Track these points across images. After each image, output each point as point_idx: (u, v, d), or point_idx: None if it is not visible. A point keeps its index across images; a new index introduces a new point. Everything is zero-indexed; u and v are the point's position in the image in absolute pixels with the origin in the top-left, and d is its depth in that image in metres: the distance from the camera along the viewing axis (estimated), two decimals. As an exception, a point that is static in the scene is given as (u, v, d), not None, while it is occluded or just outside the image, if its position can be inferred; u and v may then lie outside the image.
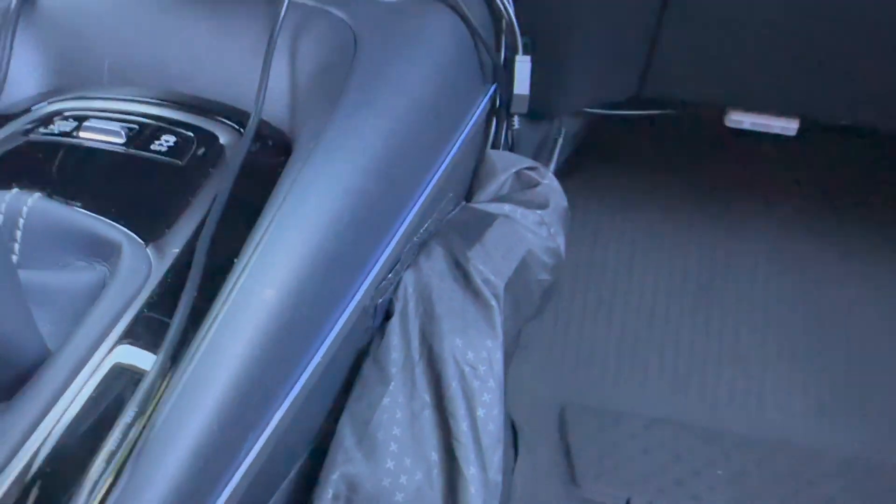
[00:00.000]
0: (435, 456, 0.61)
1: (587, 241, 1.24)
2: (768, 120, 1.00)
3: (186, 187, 0.60)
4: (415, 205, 0.68)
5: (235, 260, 0.54)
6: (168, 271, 0.54)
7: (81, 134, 0.65)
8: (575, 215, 1.15)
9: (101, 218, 0.56)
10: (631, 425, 1.11)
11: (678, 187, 1.30)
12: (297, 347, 0.55)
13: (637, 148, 1.37)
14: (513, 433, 1.03)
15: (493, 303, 0.68)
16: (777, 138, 1.06)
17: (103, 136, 0.65)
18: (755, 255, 1.24)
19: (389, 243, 0.64)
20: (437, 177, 0.70)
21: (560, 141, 1.06)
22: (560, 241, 0.82)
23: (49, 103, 0.70)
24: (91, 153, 0.64)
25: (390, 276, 0.67)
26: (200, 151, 0.63)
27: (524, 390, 1.13)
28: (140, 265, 0.53)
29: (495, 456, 0.62)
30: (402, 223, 0.66)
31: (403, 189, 0.66)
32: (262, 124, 0.64)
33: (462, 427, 0.61)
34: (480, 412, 0.62)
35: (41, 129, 0.66)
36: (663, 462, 1.06)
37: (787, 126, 0.99)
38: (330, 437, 0.62)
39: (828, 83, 0.95)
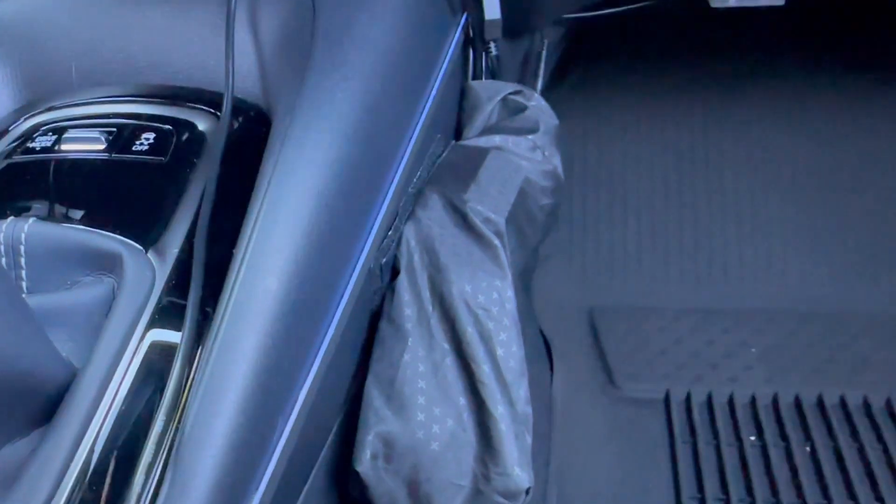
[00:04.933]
0: (463, 400, 0.62)
1: (589, 144, 1.22)
2: (754, -6, 0.95)
3: (174, 183, 0.59)
4: (403, 157, 0.66)
5: (234, 251, 0.55)
6: (171, 274, 0.53)
7: (63, 147, 0.63)
8: (572, 121, 1.12)
9: (99, 231, 0.55)
10: (660, 318, 1.11)
11: (672, 75, 1.25)
12: (310, 323, 0.55)
13: (625, 45, 1.32)
14: (545, 346, 1.04)
15: (496, 242, 0.67)
16: (766, 13, 1.01)
17: (84, 145, 0.63)
18: (763, 126, 1.20)
19: (383, 202, 0.62)
20: (420, 123, 0.68)
21: (544, 54, 1.02)
22: (556, 162, 0.80)
23: (25, 119, 0.69)
24: (76, 165, 0.62)
25: (390, 233, 0.66)
26: (181, 143, 0.61)
27: (551, 301, 1.13)
28: (144, 272, 0.53)
29: (521, 390, 0.63)
30: (392, 178, 0.64)
31: (388, 144, 0.63)
32: (237, 103, 0.61)
33: (484, 369, 0.61)
34: (500, 351, 0.62)
35: (23, 149, 0.66)
36: (696, 349, 1.07)
37: (774, -1, 0.94)
38: (359, 399, 0.64)
39: None
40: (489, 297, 0.64)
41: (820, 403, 0.97)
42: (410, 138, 0.66)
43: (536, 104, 0.82)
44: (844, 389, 0.98)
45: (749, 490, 0.89)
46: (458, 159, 0.74)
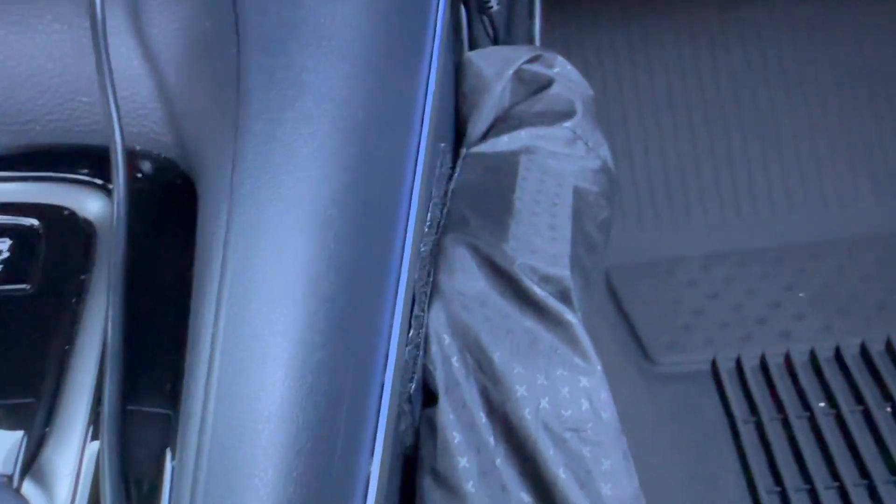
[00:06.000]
0: None
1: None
2: None
3: (52, 332, 0.36)
4: (411, 201, 0.44)
5: (173, 462, 0.32)
6: None
7: None
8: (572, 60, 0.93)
9: None
10: (688, 270, 0.96)
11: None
12: None
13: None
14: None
15: (568, 315, 0.46)
16: None
17: None
18: (778, 32, 1.02)
19: (398, 286, 0.41)
20: (423, 140, 0.47)
21: None
22: (605, 153, 0.59)
23: None
24: None
25: (411, 334, 0.45)
26: (55, 251, 0.39)
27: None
28: None
29: None
30: (403, 242, 0.43)
31: (386, 190, 0.42)
32: (136, 160, 0.41)
33: None
34: (606, 489, 0.45)
35: None
36: (736, 303, 0.92)
37: None
38: None
39: None
40: (577, 408, 0.45)
41: (889, 349, 0.84)
42: (415, 169, 0.45)
43: (561, 71, 0.61)
44: (916, 327, 0.85)
45: (833, 471, 0.76)
46: (479, 181, 0.53)
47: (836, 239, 0.93)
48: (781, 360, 0.86)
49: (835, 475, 0.76)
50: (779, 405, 0.82)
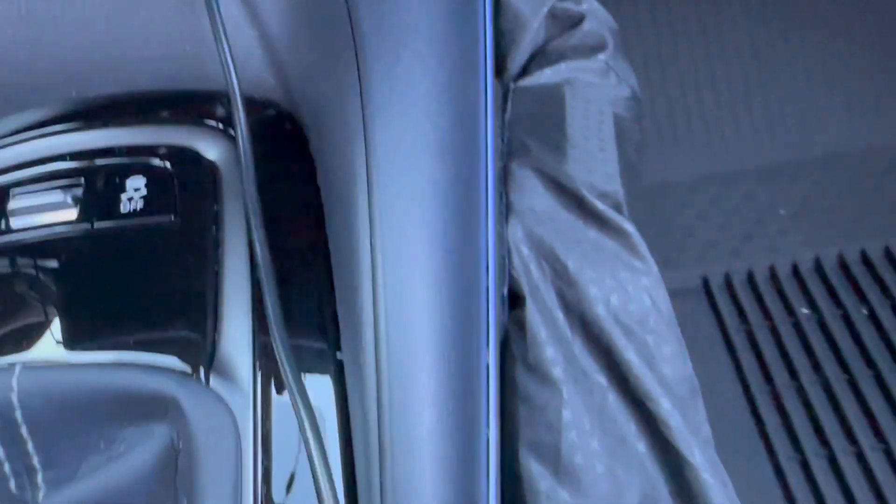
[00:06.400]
0: (642, 447, 0.50)
1: None
2: None
3: (203, 254, 0.40)
4: (487, 131, 0.48)
5: (339, 354, 0.38)
6: (259, 418, 0.37)
7: (13, 223, 0.42)
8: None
9: (127, 364, 0.38)
10: (675, 193, 1.02)
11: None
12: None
13: None
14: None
15: (627, 226, 0.51)
16: None
17: (45, 216, 0.42)
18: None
19: (487, 205, 0.48)
20: (489, 75, 0.51)
21: None
22: (633, 81, 0.65)
23: None
24: (43, 252, 0.42)
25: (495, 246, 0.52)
26: (189, 187, 0.43)
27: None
28: (219, 420, 0.36)
29: (699, 411, 0.52)
30: (485, 166, 0.47)
31: (472, 120, 0.47)
32: (247, 105, 0.42)
33: (664, 406, 0.49)
34: (667, 370, 0.51)
35: None
36: (723, 222, 0.99)
37: None
38: (509, 478, 0.51)
39: None
40: (640, 304, 0.51)
41: (865, 259, 0.92)
42: (486, 100, 0.49)
43: (589, 7, 0.65)
44: (888, 238, 0.92)
45: (817, 368, 0.84)
46: (531, 111, 0.58)
47: (813, 158, 1.00)
48: (767, 272, 0.93)
49: (818, 371, 0.84)
50: (766, 313, 0.90)
